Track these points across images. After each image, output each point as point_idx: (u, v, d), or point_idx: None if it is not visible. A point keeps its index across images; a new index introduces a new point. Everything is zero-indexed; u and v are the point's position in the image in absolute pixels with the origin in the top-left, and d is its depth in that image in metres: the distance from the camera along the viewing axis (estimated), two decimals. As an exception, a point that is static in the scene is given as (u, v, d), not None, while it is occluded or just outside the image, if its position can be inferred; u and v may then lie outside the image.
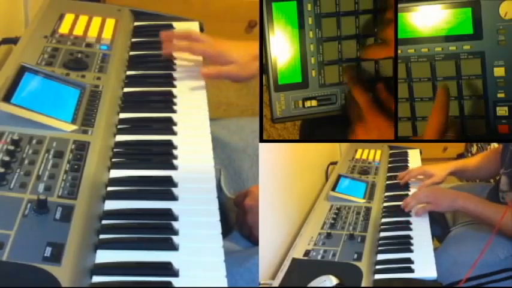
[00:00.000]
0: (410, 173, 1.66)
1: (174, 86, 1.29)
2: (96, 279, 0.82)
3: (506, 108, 1.00)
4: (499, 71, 0.99)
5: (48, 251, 0.77)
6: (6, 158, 0.92)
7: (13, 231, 0.79)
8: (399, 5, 1.01)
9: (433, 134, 0.97)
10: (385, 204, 1.55)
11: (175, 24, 1.54)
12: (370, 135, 1.03)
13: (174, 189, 0.98)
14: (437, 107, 0.98)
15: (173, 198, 0.97)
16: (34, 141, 0.98)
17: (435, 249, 1.30)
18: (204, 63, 1.35)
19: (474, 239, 1.34)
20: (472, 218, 1.41)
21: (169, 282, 0.81)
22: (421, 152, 1.93)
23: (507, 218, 1.28)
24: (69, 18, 1.41)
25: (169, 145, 1.10)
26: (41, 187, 0.88)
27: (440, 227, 1.56)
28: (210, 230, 0.92)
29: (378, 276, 1.18)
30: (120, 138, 1.11)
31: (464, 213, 1.43)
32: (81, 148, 0.99)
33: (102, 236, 0.88)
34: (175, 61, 1.39)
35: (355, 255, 1.26)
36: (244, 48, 1.32)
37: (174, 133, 1.14)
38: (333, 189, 1.62)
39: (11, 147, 0.94)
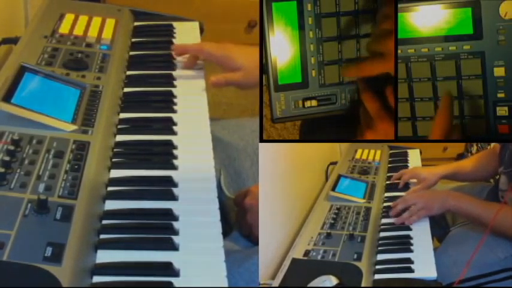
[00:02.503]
0: (403, 176, 1.65)
1: (174, 86, 1.29)
2: (97, 279, 0.81)
3: (506, 108, 1.00)
4: (499, 71, 0.99)
5: (48, 251, 0.77)
6: (7, 158, 0.92)
7: (13, 231, 0.79)
8: (399, 5, 1.01)
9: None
10: (385, 204, 1.54)
11: (175, 24, 1.54)
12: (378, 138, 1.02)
13: (174, 189, 0.98)
14: (440, 113, 0.98)
15: (173, 198, 0.97)
16: (34, 141, 0.98)
17: (435, 249, 1.30)
18: (209, 69, 1.35)
19: (474, 238, 1.34)
20: (464, 217, 1.41)
21: (170, 282, 0.81)
22: (421, 152, 1.93)
23: (501, 217, 1.28)
24: (69, 18, 1.41)
25: (169, 145, 1.10)
26: (41, 187, 0.88)
27: (440, 227, 1.55)
28: (211, 230, 0.92)
29: (378, 276, 1.18)
30: (120, 138, 1.11)
31: (456, 212, 1.42)
32: (81, 148, 0.99)
33: (102, 236, 0.88)
34: (175, 61, 1.38)
35: (355, 255, 1.26)
36: (250, 53, 1.31)
37: (174, 133, 1.14)
38: (333, 189, 1.62)
39: (11, 147, 0.94)
